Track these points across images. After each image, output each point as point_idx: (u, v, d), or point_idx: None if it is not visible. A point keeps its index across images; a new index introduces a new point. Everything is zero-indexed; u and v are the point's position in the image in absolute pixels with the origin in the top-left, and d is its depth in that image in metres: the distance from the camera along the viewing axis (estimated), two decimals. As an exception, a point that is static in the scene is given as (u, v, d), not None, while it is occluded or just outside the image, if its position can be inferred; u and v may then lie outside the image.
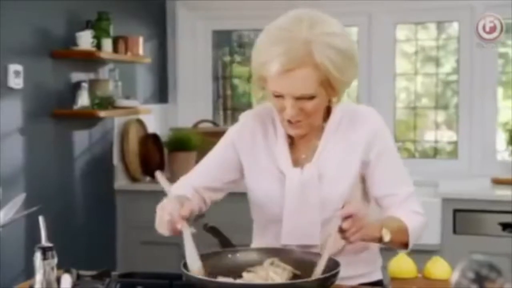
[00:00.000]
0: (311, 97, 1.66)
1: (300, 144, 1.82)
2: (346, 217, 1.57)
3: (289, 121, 1.72)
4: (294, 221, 1.76)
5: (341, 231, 1.57)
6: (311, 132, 1.79)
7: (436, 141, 4.34)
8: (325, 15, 1.69)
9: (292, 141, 1.82)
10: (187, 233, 1.59)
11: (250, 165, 1.85)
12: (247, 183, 1.87)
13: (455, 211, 3.47)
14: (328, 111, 1.80)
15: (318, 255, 1.64)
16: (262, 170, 1.82)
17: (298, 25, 1.63)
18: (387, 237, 1.64)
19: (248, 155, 1.85)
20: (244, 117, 1.91)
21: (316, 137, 1.80)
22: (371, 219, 1.67)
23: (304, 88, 1.64)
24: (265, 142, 1.84)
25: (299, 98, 1.65)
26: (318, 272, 1.56)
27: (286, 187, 1.77)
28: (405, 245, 1.75)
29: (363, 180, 1.79)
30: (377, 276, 1.89)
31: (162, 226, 1.64)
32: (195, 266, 1.56)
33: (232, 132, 1.90)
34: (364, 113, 1.82)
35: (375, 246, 1.88)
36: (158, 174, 1.69)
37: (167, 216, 1.59)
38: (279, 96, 1.68)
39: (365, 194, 1.83)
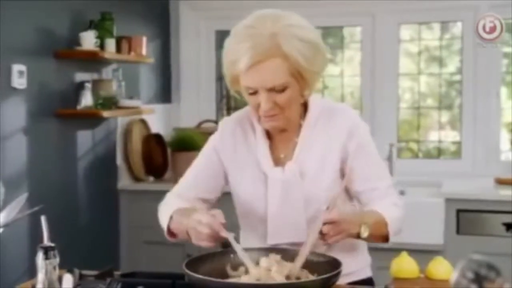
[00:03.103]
0: (283, 89, 1.68)
1: (279, 143, 1.83)
2: (327, 222, 1.58)
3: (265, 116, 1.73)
4: (279, 220, 1.78)
5: (320, 233, 1.60)
6: (290, 131, 1.81)
7: (439, 141, 4.33)
8: (288, 12, 1.72)
9: (272, 141, 1.83)
10: (232, 238, 1.62)
11: (234, 168, 1.87)
12: (231, 186, 1.89)
13: (459, 211, 3.46)
14: (305, 109, 1.81)
15: (319, 255, 1.65)
16: (245, 172, 1.84)
17: (262, 21, 1.67)
18: (365, 234, 1.66)
19: (231, 158, 1.87)
20: (223, 123, 1.93)
21: (295, 135, 1.81)
22: (351, 215, 1.69)
23: (275, 79, 1.66)
24: (246, 144, 1.85)
25: (271, 90, 1.67)
26: (297, 266, 1.60)
27: (269, 187, 1.78)
28: (385, 238, 1.76)
29: (343, 176, 1.79)
30: (366, 273, 1.91)
31: (202, 239, 1.63)
32: (252, 265, 1.61)
33: (213, 139, 1.92)
34: (341, 109, 1.84)
35: (363, 244, 1.90)
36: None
37: (206, 229, 1.60)
38: (253, 93, 1.69)
39: (347, 191, 1.83)
